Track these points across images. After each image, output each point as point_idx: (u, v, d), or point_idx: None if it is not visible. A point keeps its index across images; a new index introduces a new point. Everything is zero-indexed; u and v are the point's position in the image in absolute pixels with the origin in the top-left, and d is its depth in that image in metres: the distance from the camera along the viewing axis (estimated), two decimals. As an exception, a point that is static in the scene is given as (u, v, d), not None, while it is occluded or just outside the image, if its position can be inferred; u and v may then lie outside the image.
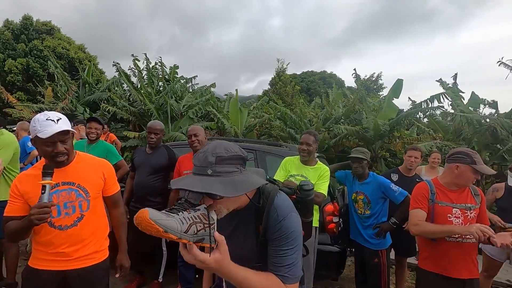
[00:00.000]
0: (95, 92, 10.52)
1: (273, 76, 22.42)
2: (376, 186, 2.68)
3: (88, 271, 1.61)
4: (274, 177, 2.61)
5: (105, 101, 9.64)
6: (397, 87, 7.76)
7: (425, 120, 9.10)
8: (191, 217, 0.79)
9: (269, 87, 24.47)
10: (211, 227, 0.82)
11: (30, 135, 5.20)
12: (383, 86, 23.76)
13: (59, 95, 10.33)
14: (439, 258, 1.90)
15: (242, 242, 1.09)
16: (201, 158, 0.93)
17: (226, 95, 13.49)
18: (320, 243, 2.66)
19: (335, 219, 2.74)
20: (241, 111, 9.21)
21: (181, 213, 0.80)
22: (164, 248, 2.86)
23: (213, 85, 11.13)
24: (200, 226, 0.80)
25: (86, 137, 3.37)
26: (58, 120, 1.48)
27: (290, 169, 2.64)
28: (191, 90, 11.49)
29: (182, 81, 11.20)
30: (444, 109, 6.57)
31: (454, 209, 1.88)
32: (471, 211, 1.88)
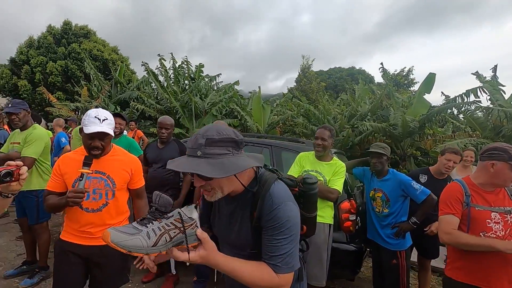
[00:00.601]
0: (126, 91, 11.05)
1: (298, 73, 22.17)
2: (396, 184, 2.53)
3: (108, 248, 1.75)
4: (288, 173, 2.58)
5: (135, 100, 10.08)
6: (429, 81, 7.30)
7: (461, 116, 8.49)
8: (162, 226, 0.80)
9: (295, 84, 24.23)
10: (192, 226, 0.82)
11: (64, 131, 5.64)
12: (414, 81, 22.36)
13: (93, 94, 10.99)
14: (477, 269, 1.66)
15: (238, 227, 1.09)
16: (193, 140, 0.95)
17: (250, 92, 13.55)
18: (335, 241, 2.58)
19: (352, 217, 2.64)
20: (263, 108, 9.19)
21: (151, 224, 0.80)
22: None
23: (237, 82, 11.22)
24: (175, 232, 0.80)
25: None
26: (103, 120, 1.70)
27: (304, 164, 2.58)
28: (215, 88, 11.69)
29: (206, 79, 11.41)
30: (480, 104, 6.05)
31: (493, 213, 1.65)
32: (511, 215, 1.65)
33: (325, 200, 2.40)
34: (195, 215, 0.86)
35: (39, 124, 3.55)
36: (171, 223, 0.81)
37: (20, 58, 16.15)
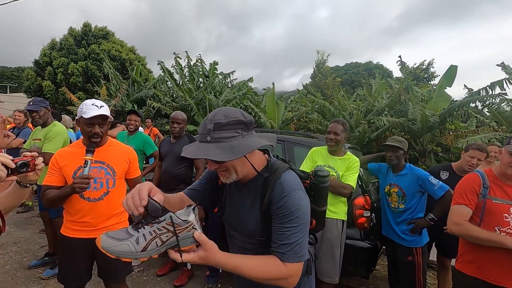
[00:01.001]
0: (143, 89, 11.29)
1: (313, 69, 21.87)
2: (412, 179, 2.44)
3: None
4: (300, 168, 2.54)
5: (151, 98, 10.28)
6: (451, 74, 6.98)
7: (486, 110, 8.08)
8: (153, 231, 0.80)
9: (310, 80, 23.91)
10: (187, 228, 0.81)
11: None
12: (435, 74, 21.40)
13: (112, 93, 11.30)
14: (487, 264, 1.60)
15: (248, 214, 1.09)
16: (202, 126, 0.97)
17: (264, 89, 13.49)
18: (348, 238, 2.53)
19: (366, 214, 2.57)
20: (277, 104, 9.13)
21: (142, 229, 0.80)
22: None
23: (251, 79, 11.21)
24: (167, 236, 0.80)
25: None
26: (101, 107, 1.77)
27: (317, 159, 2.53)
28: (229, 86, 11.73)
29: (220, 77, 11.46)
30: (506, 97, 5.73)
31: None
32: None
33: (338, 196, 2.35)
34: (192, 217, 0.83)
35: (59, 121, 3.68)
36: (162, 227, 0.80)
37: (43, 60, 16.84)
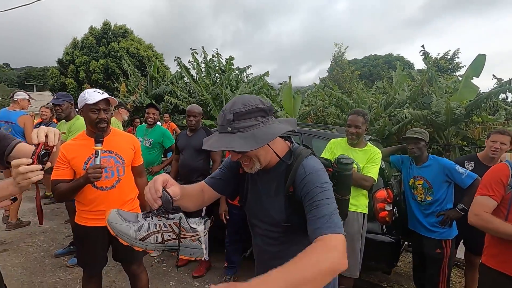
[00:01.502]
0: (160, 86, 11.48)
1: (330, 63, 21.44)
2: (438, 169, 2.35)
3: None
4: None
5: (169, 94, 10.43)
6: (478, 63, 6.59)
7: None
8: (158, 224, 0.77)
9: (328, 74, 23.45)
10: (192, 238, 0.78)
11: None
12: (460, 65, 20.32)
13: (131, 90, 11.57)
14: (510, 258, 1.53)
15: (271, 201, 1.07)
16: (221, 117, 0.94)
17: (280, 83, 13.38)
18: (369, 232, 2.45)
19: (388, 207, 2.48)
20: (294, 98, 9.01)
21: (149, 218, 0.78)
22: None
23: (267, 73, 11.12)
24: (169, 235, 0.77)
25: (125, 119, 4.19)
26: (102, 93, 1.78)
27: (336, 151, 2.46)
28: (245, 80, 11.70)
29: (236, 72, 11.45)
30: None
31: None
32: None
33: (358, 188, 2.28)
34: (201, 228, 0.81)
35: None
36: (169, 224, 0.78)
37: (66, 59, 17.48)
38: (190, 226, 0.79)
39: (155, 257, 3.37)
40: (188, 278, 2.99)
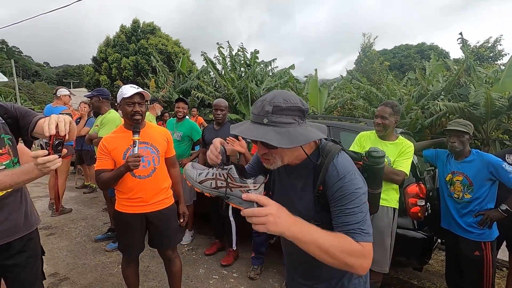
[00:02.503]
0: (187, 81, 11.75)
1: (358, 54, 20.70)
2: (481, 165, 2.18)
3: (163, 213, 2.07)
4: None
5: (195, 88, 10.66)
6: (524, 50, 6.07)
7: None
8: (214, 173, 0.88)
9: (355, 66, 22.68)
10: (241, 188, 0.85)
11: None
12: (502, 53, 18.63)
13: (160, 85, 11.96)
14: None
15: (299, 197, 1.06)
16: (259, 106, 0.91)
17: (306, 77, 13.16)
18: (400, 227, 2.39)
19: (420, 202, 2.40)
20: (320, 91, 8.86)
21: (211, 169, 0.90)
22: (232, 219, 3.06)
23: (292, 66, 10.99)
24: (221, 183, 0.86)
25: (159, 113, 4.45)
26: (137, 88, 1.94)
27: (365, 144, 2.41)
28: (271, 74, 11.65)
29: (261, 65, 11.43)
30: None
31: None
32: None
33: (389, 183, 2.22)
34: (250, 181, 0.86)
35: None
36: (222, 174, 0.88)
37: (100, 57, 18.41)
38: (240, 178, 0.86)
39: (185, 245, 3.53)
40: (216, 266, 3.10)
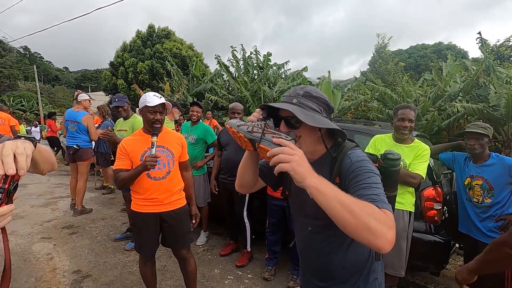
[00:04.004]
0: (201, 84, 11.95)
1: (372, 55, 20.42)
2: (502, 169, 2.14)
3: (177, 212, 2.17)
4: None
5: (209, 91, 10.83)
6: (547, 49, 5.85)
7: None
8: (253, 123, 0.94)
9: (369, 67, 22.36)
10: (274, 135, 0.89)
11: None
12: None
13: (174, 89, 12.21)
14: None
15: None
16: (291, 90, 1.02)
17: (319, 78, 13.09)
18: (417, 231, 2.38)
19: (437, 206, 2.37)
20: (333, 93, 8.80)
21: (250, 122, 0.97)
22: (246, 220, 3.12)
23: (305, 69, 11.00)
24: (257, 129, 0.91)
25: (177, 118, 4.53)
26: (160, 97, 2.05)
27: (380, 147, 2.41)
28: (283, 76, 11.68)
29: (274, 68, 11.48)
30: None
31: None
32: None
33: (404, 186, 2.21)
34: (283, 133, 0.92)
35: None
36: (260, 124, 0.92)
37: (117, 61, 18.96)
38: (275, 128, 0.94)
39: (200, 246, 3.61)
40: (231, 267, 3.16)
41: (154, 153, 1.91)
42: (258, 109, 1.01)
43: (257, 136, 0.90)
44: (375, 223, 0.75)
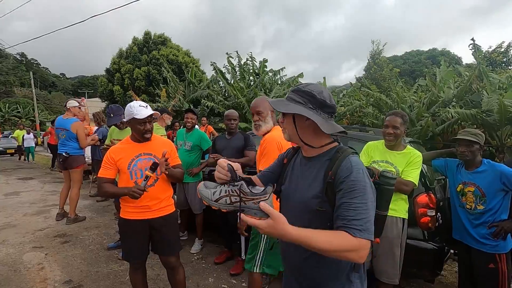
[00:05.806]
0: (198, 90, 11.97)
1: (367, 61, 20.64)
2: (493, 176, 2.15)
3: (166, 218, 2.17)
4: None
5: (205, 98, 10.84)
6: (538, 56, 5.95)
7: None
8: (226, 190, 0.96)
9: (364, 73, 22.59)
10: (254, 200, 0.91)
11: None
12: None
13: (171, 95, 12.22)
14: None
15: (308, 185, 1.11)
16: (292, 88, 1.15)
17: (315, 84, 13.17)
18: (411, 238, 2.37)
19: (430, 213, 2.37)
20: (329, 99, 8.84)
21: (223, 186, 0.98)
22: None
23: (301, 75, 11.07)
24: (235, 198, 0.93)
25: (168, 123, 4.48)
26: (146, 106, 2.04)
27: (373, 154, 2.41)
28: (279, 82, 11.74)
29: (270, 74, 11.54)
30: None
31: None
32: None
33: (398, 193, 2.21)
34: (259, 190, 0.93)
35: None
36: (234, 190, 0.95)
37: (113, 68, 18.95)
38: (250, 191, 0.93)
39: (194, 254, 3.57)
40: (226, 275, 3.12)
41: (144, 186, 1.93)
42: (222, 162, 1.05)
43: (238, 206, 0.93)
44: (347, 254, 0.92)
